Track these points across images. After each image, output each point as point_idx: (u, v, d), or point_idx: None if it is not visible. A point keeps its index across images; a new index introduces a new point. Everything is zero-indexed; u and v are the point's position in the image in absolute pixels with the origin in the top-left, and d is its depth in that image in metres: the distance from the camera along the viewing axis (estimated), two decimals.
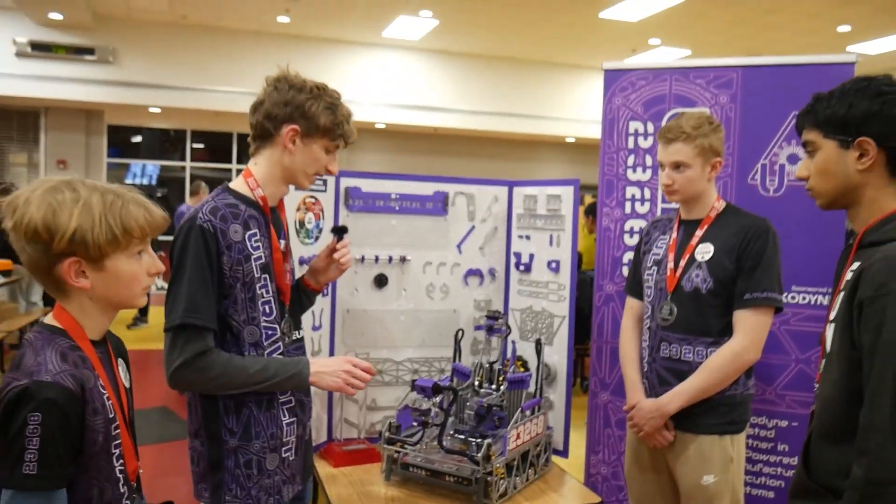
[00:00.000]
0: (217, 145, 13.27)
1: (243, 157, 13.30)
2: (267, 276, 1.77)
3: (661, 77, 2.91)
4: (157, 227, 1.40)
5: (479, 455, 2.09)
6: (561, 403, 2.65)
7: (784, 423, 2.74)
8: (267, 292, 1.76)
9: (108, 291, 1.36)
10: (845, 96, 1.47)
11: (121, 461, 1.35)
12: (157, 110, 11.83)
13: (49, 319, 1.36)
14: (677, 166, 2.19)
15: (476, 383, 2.49)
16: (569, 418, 2.66)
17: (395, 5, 9.87)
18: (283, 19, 10.71)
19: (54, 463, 1.21)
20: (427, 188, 2.71)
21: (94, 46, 10.79)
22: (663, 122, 2.88)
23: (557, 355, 2.66)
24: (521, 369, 2.61)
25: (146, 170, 13.08)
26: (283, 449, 1.79)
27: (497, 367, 2.53)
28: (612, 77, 2.98)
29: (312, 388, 1.85)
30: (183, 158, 13.07)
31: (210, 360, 1.65)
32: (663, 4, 9.15)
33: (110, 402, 1.33)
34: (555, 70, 13.11)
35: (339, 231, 2.04)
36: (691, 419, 2.19)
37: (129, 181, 12.79)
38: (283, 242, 1.85)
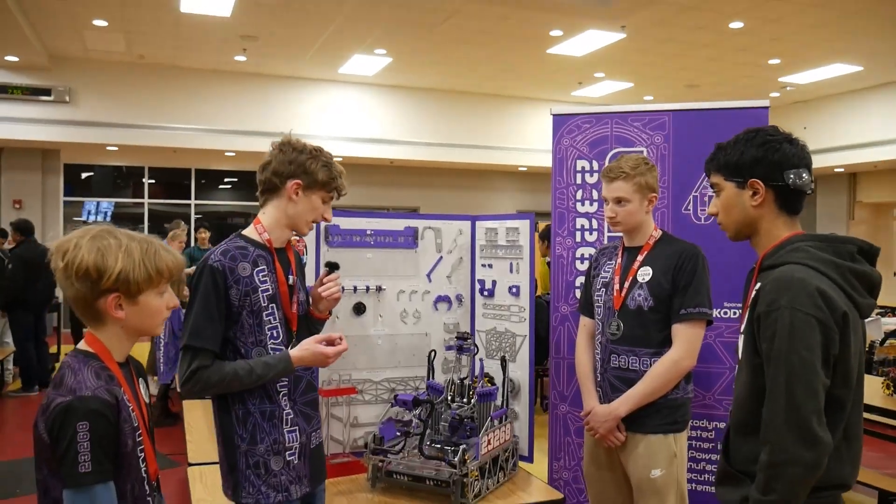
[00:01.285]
0: (175, 182, 13.36)
1: (201, 194, 13.43)
2: (274, 305, 2.09)
3: (602, 120, 3.28)
4: (179, 270, 1.69)
5: (456, 459, 2.37)
6: (525, 414, 2.95)
7: (722, 425, 3.08)
8: (274, 319, 2.09)
9: (137, 322, 1.62)
10: (738, 145, 1.78)
11: (144, 464, 1.60)
12: (115, 148, 11.92)
13: (82, 346, 1.61)
14: (619, 201, 2.55)
15: (449, 398, 2.78)
16: (532, 427, 2.96)
17: (349, 45, 10.22)
18: (239, 58, 10.96)
19: (103, 460, 1.47)
20: (398, 224, 3.01)
21: (51, 87, 10.89)
22: (606, 161, 3.24)
23: (520, 370, 2.97)
24: (489, 384, 2.91)
25: (100, 206, 13.09)
26: (287, 453, 2.08)
27: (467, 382, 2.82)
28: (559, 121, 3.34)
29: (317, 405, 2.23)
30: (141, 195, 13.14)
31: (207, 374, 1.99)
32: (606, 41, 9.67)
33: (134, 413, 1.59)
34: (505, 102, 13.60)
35: (330, 266, 2.32)
36: (640, 421, 2.52)
37: (83, 218, 12.78)
38: (290, 278, 2.17)
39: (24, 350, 7.47)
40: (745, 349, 1.72)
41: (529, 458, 2.93)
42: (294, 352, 2.07)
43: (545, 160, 14.18)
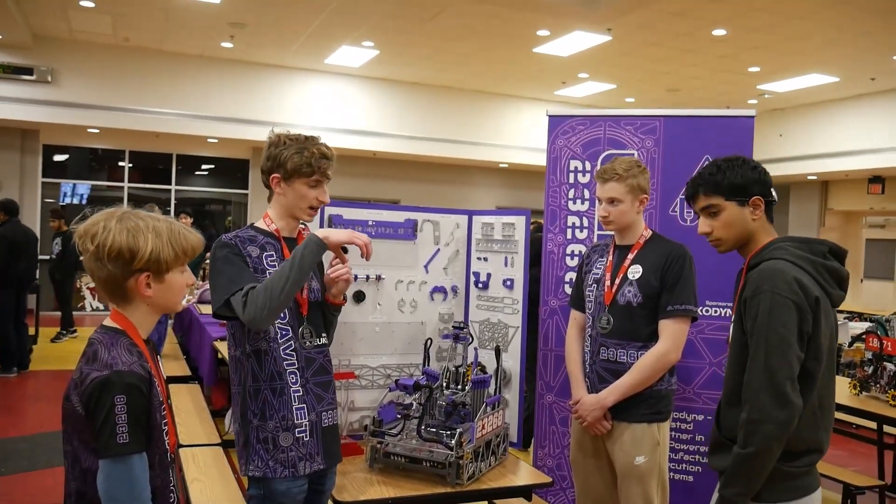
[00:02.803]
0: (155, 167, 13.29)
1: (181, 179, 13.38)
2: None
3: (596, 123, 3.41)
4: (200, 249, 1.78)
5: (453, 442, 2.49)
6: (515, 402, 3.08)
7: (701, 417, 3.24)
8: None
9: (163, 299, 1.71)
10: (734, 170, 2.04)
11: (166, 437, 1.68)
12: (96, 130, 11.84)
13: (109, 322, 1.69)
14: (612, 201, 2.69)
15: (444, 384, 2.89)
16: (521, 414, 3.09)
17: (338, 36, 10.26)
18: (226, 44, 10.94)
19: (138, 431, 1.54)
20: (399, 216, 3.11)
21: (33, 66, 10.79)
22: (598, 162, 3.38)
23: (512, 360, 3.09)
24: (481, 373, 3.02)
25: (77, 189, 12.98)
26: (297, 430, 2.18)
27: (461, 370, 2.94)
28: (555, 122, 3.47)
29: (330, 387, 2.32)
30: (119, 179, 13.05)
31: (252, 294, 2.06)
32: (592, 42, 9.83)
33: (158, 388, 1.68)
34: (489, 99, 13.72)
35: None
36: (625, 410, 2.66)
37: (60, 201, 12.67)
38: None
39: (5, 331, 7.44)
40: (735, 332, 2.00)
41: (518, 444, 3.06)
42: (321, 231, 2.18)
43: (526, 157, 14.40)
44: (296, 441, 2.18)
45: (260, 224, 2.31)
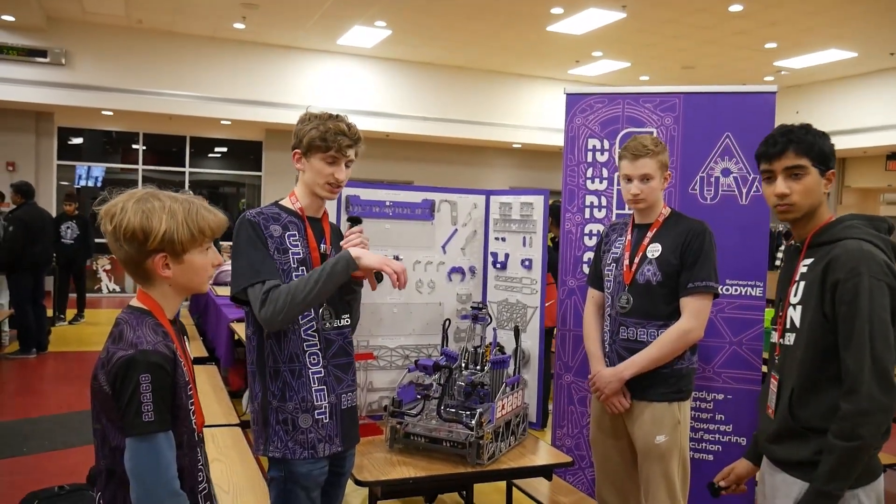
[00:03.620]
0: (169, 149, 13.33)
1: (195, 161, 13.41)
2: (304, 268, 2.19)
3: (615, 101, 3.37)
4: (222, 228, 1.76)
5: (474, 422, 2.49)
6: (534, 383, 3.07)
7: (721, 397, 3.22)
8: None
9: (184, 280, 1.70)
10: (823, 138, 1.93)
11: (193, 416, 1.69)
12: (110, 113, 11.88)
13: (135, 303, 1.69)
14: (643, 178, 2.63)
15: (463, 364, 2.89)
16: (541, 395, 3.09)
17: (350, 15, 10.20)
18: (238, 25, 10.91)
19: (164, 410, 1.55)
20: (416, 196, 3.10)
21: (47, 48, 10.82)
22: (617, 140, 3.34)
23: (530, 341, 3.09)
24: (500, 353, 3.02)
25: (91, 172, 13.05)
26: (316, 412, 2.18)
27: (480, 351, 2.93)
28: (573, 100, 3.43)
29: (350, 369, 2.30)
30: (133, 161, 13.10)
31: (273, 294, 2.07)
32: (606, 20, 9.72)
33: (185, 368, 1.68)
34: (502, 79, 13.64)
35: (352, 221, 2.39)
36: (645, 389, 2.63)
37: (75, 184, 12.75)
38: (323, 246, 2.27)
39: (24, 313, 7.51)
40: (810, 316, 1.88)
41: (537, 425, 3.06)
42: (356, 250, 2.16)
43: (539, 137, 14.30)
44: (315, 423, 2.18)
45: (285, 202, 2.29)
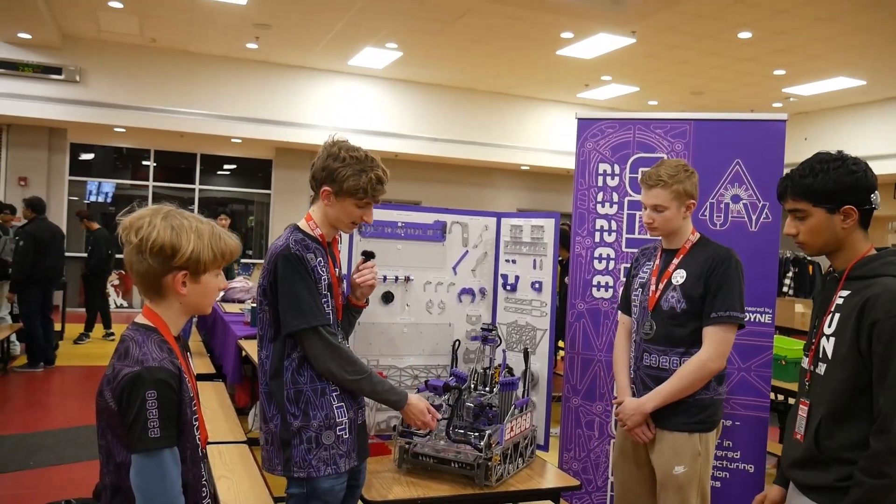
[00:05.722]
0: (179, 166, 13.42)
1: (205, 178, 13.50)
2: (329, 294, 2.24)
3: (626, 126, 3.40)
4: (237, 254, 1.80)
5: (483, 443, 2.49)
6: (542, 405, 3.08)
7: (728, 423, 3.21)
8: (328, 307, 2.24)
9: (196, 299, 1.72)
10: (827, 174, 1.89)
11: (197, 432, 1.70)
12: (122, 130, 11.99)
13: (141, 319, 1.71)
14: (656, 208, 2.63)
15: (472, 385, 2.90)
16: (549, 417, 3.09)
17: (362, 37, 10.31)
18: (251, 45, 11.03)
19: (169, 426, 1.57)
20: (428, 217, 3.13)
21: (62, 66, 10.94)
22: (627, 165, 3.37)
23: (539, 363, 3.10)
24: (508, 375, 3.03)
25: (102, 188, 13.14)
26: (338, 428, 2.21)
27: (489, 372, 2.95)
28: (584, 125, 3.46)
29: None
30: (143, 178, 13.19)
31: (344, 357, 2.21)
32: (616, 45, 9.80)
33: (188, 384, 1.69)
34: (510, 101, 13.72)
35: (366, 255, 2.46)
36: (667, 419, 2.60)
37: (86, 199, 12.84)
38: (337, 270, 2.33)
39: (32, 327, 7.55)
40: (846, 350, 1.86)
41: (545, 447, 3.06)
42: (413, 398, 2.32)
43: (547, 160, 14.33)
44: (337, 439, 2.21)
45: (304, 226, 2.29)
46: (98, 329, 9.59)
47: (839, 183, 1.88)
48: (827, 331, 1.93)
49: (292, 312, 2.15)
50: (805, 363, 2.04)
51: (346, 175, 2.20)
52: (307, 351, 2.18)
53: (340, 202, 2.24)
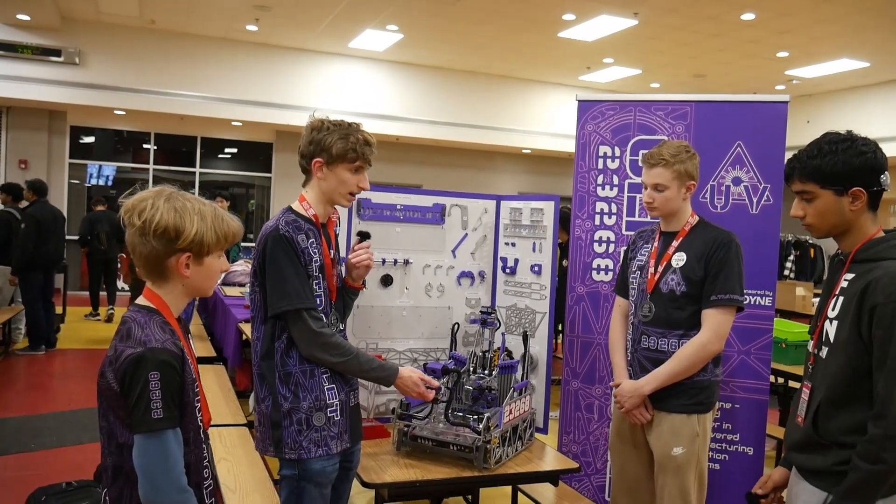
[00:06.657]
0: (180, 149, 13.39)
1: (205, 162, 13.47)
2: (321, 275, 2.24)
3: (626, 108, 3.38)
4: (239, 236, 1.80)
5: (481, 426, 2.50)
6: (541, 388, 3.08)
7: (728, 406, 3.22)
8: (319, 288, 2.23)
9: (198, 281, 1.72)
10: (835, 155, 1.84)
11: (199, 414, 1.70)
12: (122, 112, 11.94)
13: (143, 301, 1.70)
14: (657, 187, 2.61)
15: (471, 369, 2.90)
16: (548, 400, 3.09)
17: (363, 19, 10.24)
18: (251, 27, 10.96)
19: (172, 407, 1.57)
20: (427, 200, 3.11)
21: (61, 48, 10.88)
22: (628, 147, 3.35)
23: (538, 346, 3.09)
24: (508, 358, 3.03)
25: (102, 170, 13.11)
26: (329, 409, 2.21)
27: (488, 355, 2.94)
28: (584, 107, 3.44)
29: None
30: (144, 161, 13.16)
31: (331, 342, 2.20)
32: (618, 26, 9.73)
33: (191, 365, 1.69)
34: (512, 84, 13.64)
35: (361, 235, 2.45)
36: (665, 400, 2.60)
37: (86, 183, 12.82)
38: (332, 252, 2.31)
39: (34, 310, 7.56)
40: (846, 333, 1.84)
41: (544, 430, 3.06)
42: (404, 370, 2.31)
43: (549, 143, 14.27)
44: (328, 420, 2.21)
45: (297, 207, 2.29)
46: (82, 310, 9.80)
47: (848, 164, 1.84)
48: (831, 314, 1.91)
49: (277, 294, 2.16)
50: (810, 346, 2.03)
51: (334, 140, 2.22)
52: (293, 334, 2.18)
53: (333, 171, 2.24)
